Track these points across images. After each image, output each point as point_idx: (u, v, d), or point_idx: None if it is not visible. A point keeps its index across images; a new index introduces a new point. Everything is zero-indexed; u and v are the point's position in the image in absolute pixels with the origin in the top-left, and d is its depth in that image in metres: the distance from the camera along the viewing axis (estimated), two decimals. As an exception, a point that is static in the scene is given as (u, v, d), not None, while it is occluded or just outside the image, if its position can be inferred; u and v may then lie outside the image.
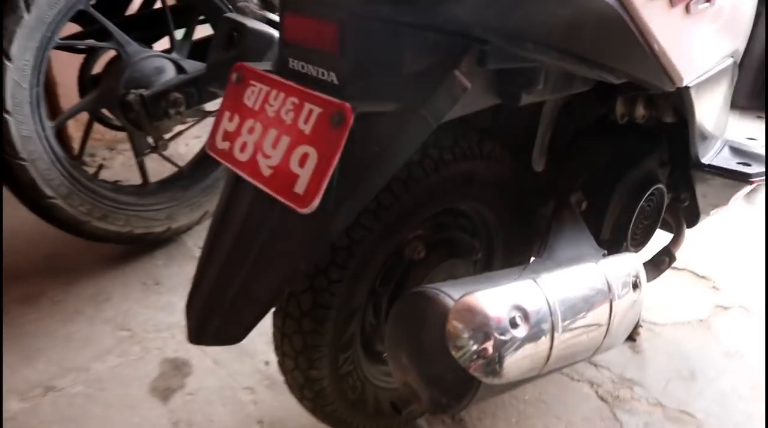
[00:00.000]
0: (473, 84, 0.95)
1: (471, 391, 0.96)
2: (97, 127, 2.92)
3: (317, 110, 0.92)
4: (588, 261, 1.10)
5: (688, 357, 1.82)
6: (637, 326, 1.88)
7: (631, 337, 1.87)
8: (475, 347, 0.88)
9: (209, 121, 1.97)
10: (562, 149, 1.44)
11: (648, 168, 1.46)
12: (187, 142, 2.97)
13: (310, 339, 1.17)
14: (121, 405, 1.61)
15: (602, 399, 1.66)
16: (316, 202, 0.89)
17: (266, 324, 1.20)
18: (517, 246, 1.47)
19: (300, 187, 0.90)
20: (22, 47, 1.72)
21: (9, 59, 1.70)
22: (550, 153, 1.40)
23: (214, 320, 1.00)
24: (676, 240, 1.58)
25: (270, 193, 0.94)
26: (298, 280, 1.12)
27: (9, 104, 1.72)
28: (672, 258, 1.55)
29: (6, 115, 1.71)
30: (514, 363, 0.91)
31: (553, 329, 0.95)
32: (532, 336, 0.93)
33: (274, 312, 1.22)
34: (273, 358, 1.70)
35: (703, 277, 2.19)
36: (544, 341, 0.95)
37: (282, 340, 1.21)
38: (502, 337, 0.89)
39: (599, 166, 1.45)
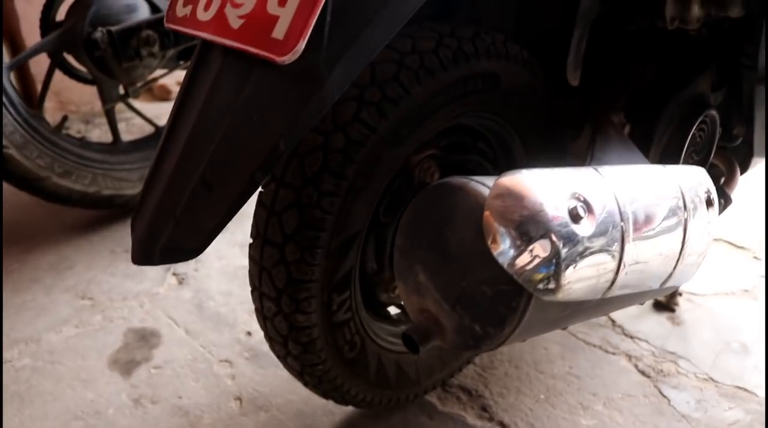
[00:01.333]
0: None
1: (516, 313, 0.71)
2: (71, 96, 2.71)
3: (303, -68, 0.68)
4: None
5: (737, 329, 1.57)
6: (675, 295, 1.63)
7: (670, 308, 1.62)
8: (523, 243, 0.63)
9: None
10: (600, 63, 1.20)
11: (700, 89, 1.23)
12: (166, 107, 2.74)
13: (295, 272, 0.93)
14: (74, 379, 1.36)
15: (643, 373, 1.41)
16: (300, 46, 0.66)
17: (247, 294, 1.03)
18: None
19: (279, 31, 0.68)
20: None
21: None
22: (586, 68, 1.16)
23: (165, 229, 0.75)
24: (729, 181, 1.34)
25: (241, 47, 0.71)
26: (275, 168, 0.88)
27: (-49, 32, 1.48)
28: (728, 201, 1.31)
29: (-54, 45, 1.47)
30: (577, 273, 0.67)
31: (623, 234, 0.70)
32: (599, 240, 0.68)
33: (250, 244, 0.97)
34: (256, 328, 1.47)
35: (741, 247, 1.94)
36: (614, 250, 0.70)
37: (260, 276, 0.96)
38: (563, 231, 0.64)
39: (644, 85, 1.21)
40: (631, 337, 1.52)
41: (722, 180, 1.39)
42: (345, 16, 0.68)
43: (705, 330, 1.57)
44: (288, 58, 0.66)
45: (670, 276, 0.85)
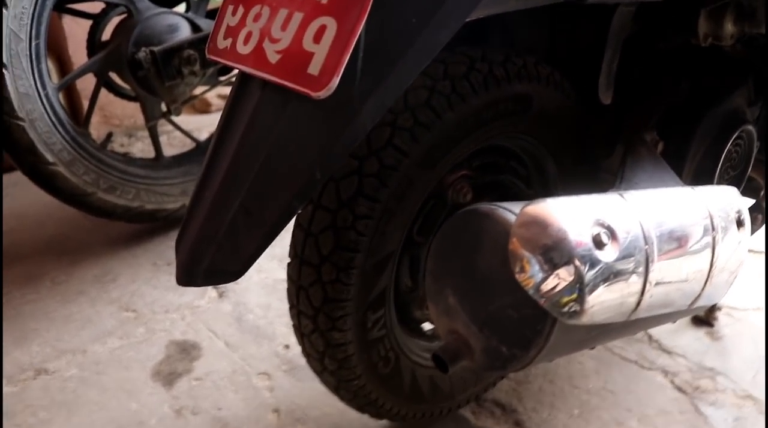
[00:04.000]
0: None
1: (542, 336, 0.74)
2: (114, 110, 2.81)
3: (338, -28, 0.72)
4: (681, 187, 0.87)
5: (778, 345, 1.56)
6: (714, 309, 1.63)
7: (709, 322, 1.62)
8: (548, 269, 0.67)
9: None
10: (632, 82, 1.22)
11: (735, 104, 1.24)
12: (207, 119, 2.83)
13: (331, 292, 0.97)
14: (118, 389, 1.42)
15: (680, 389, 1.42)
16: (335, 82, 0.70)
17: (286, 308, 1.07)
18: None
19: (315, 67, 0.71)
20: (18, -9, 1.57)
21: (4, 5, 1.55)
22: (618, 86, 1.18)
23: (207, 253, 0.80)
24: (768, 195, 1.34)
25: (278, 82, 0.75)
26: (312, 195, 0.93)
27: (4, 56, 1.56)
28: (765, 216, 1.31)
29: (1, 68, 1.55)
30: (600, 297, 0.70)
31: (647, 258, 0.73)
32: (623, 264, 0.71)
33: (288, 263, 1.02)
34: (293, 341, 1.52)
35: (784, 261, 1.93)
36: (638, 273, 0.72)
37: (297, 294, 1.01)
38: (586, 257, 0.67)
39: (677, 101, 1.23)
40: (668, 352, 1.53)
41: (762, 194, 1.40)
42: (377, 52, 0.72)
43: (745, 345, 1.57)
44: (323, 94, 0.69)
45: (699, 296, 0.87)
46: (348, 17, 0.70)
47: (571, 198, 0.74)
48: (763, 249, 1.97)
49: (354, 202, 0.93)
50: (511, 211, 0.76)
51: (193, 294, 1.73)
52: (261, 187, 0.77)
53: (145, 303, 1.72)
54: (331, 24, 0.71)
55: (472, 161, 1.09)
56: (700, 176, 1.21)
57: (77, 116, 2.52)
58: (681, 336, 1.58)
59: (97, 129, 2.69)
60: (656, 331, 1.59)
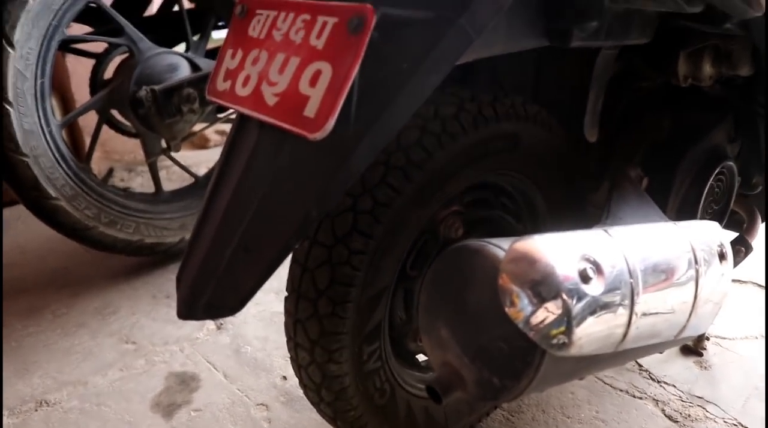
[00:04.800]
0: (518, 17, 0.83)
1: (532, 368, 0.75)
2: (115, 146, 2.84)
3: (332, 20, 0.76)
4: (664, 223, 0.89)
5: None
6: (702, 339, 1.64)
7: (698, 352, 1.64)
8: (537, 303, 0.68)
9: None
10: (616, 119, 1.25)
11: (716, 141, 1.27)
12: (205, 155, 2.85)
13: (327, 325, 0.98)
14: (119, 421, 1.42)
15: (670, 418, 1.43)
16: (330, 124, 0.72)
17: (283, 340, 1.09)
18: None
19: (311, 110, 0.74)
20: (25, 34, 1.60)
21: (11, 46, 1.58)
22: (603, 123, 1.21)
23: (207, 288, 0.81)
24: (750, 228, 1.37)
25: (275, 123, 0.77)
26: (308, 233, 0.94)
27: (10, 94, 1.59)
28: (748, 249, 1.33)
29: (7, 106, 1.58)
30: (588, 329, 0.71)
31: (632, 291, 0.74)
32: (609, 297, 0.73)
33: (286, 297, 1.03)
34: (291, 373, 1.52)
35: (770, 290, 1.95)
36: (623, 306, 0.74)
37: (295, 328, 1.02)
38: (573, 291, 0.68)
39: (660, 139, 1.25)
40: (658, 381, 1.54)
41: (744, 227, 1.42)
42: (370, 95, 0.74)
43: (734, 374, 1.57)
44: (319, 135, 0.71)
45: (684, 327, 0.88)
46: (342, 62, 0.72)
47: (557, 234, 0.76)
48: (748, 280, 1.99)
49: (349, 238, 0.94)
50: (500, 247, 0.77)
51: (191, 326, 1.74)
52: (259, 224, 0.79)
53: (145, 335, 1.73)
54: (326, 69, 0.73)
55: (464, 197, 1.11)
56: (683, 211, 1.23)
57: (79, 152, 2.55)
58: (671, 366, 1.58)
59: (98, 164, 2.72)
60: (646, 361, 1.59)
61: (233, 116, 0.90)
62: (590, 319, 0.72)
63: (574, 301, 0.70)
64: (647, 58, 1.19)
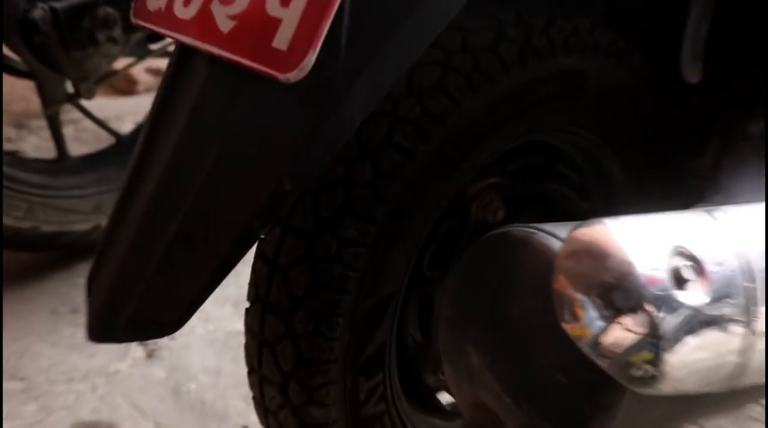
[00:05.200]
0: None
1: (604, 412, 0.76)
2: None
3: None
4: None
5: None
6: None
7: None
8: (609, 316, 0.69)
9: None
10: (732, 50, 1.25)
11: None
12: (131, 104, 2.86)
13: (308, 350, 1.00)
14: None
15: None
16: (310, 59, 0.73)
17: (243, 373, 1.10)
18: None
19: (282, 39, 0.75)
20: None
21: None
22: (710, 57, 1.22)
23: (131, 296, 0.83)
24: None
25: (232, 58, 0.78)
26: (279, 214, 0.97)
27: None
28: None
29: None
30: (686, 356, 0.72)
31: (750, 300, 0.75)
32: (716, 309, 0.73)
33: (247, 309, 1.05)
34: (254, 421, 1.54)
35: None
36: (737, 322, 0.75)
37: (260, 354, 1.04)
38: (663, 300, 0.70)
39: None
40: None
41: None
42: (368, 17, 0.75)
43: None
44: (294, 75, 0.72)
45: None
46: (328, -30, 0.73)
47: (640, 217, 0.77)
48: None
49: (339, 223, 0.96)
50: (555, 236, 0.78)
51: (109, 354, 1.76)
52: (208, 203, 0.80)
53: (39, 368, 1.75)
54: (304, -21, 0.74)
55: (505, 165, 1.13)
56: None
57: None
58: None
59: None
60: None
61: (172, 48, 0.91)
62: (689, 341, 0.73)
63: (665, 314, 0.71)
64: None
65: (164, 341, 1.78)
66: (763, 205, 0.88)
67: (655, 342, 0.72)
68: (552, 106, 1.07)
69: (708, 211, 0.81)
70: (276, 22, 0.75)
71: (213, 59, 0.81)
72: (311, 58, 0.72)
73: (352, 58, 0.76)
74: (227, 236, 0.80)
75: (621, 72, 1.14)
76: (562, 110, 1.10)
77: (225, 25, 0.79)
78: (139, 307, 0.82)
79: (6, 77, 2.28)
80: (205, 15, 0.82)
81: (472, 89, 0.98)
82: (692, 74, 1.20)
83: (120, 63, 2.15)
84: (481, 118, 1.00)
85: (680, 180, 1.28)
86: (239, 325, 1.07)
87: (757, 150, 1.13)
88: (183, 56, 0.86)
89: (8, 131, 2.85)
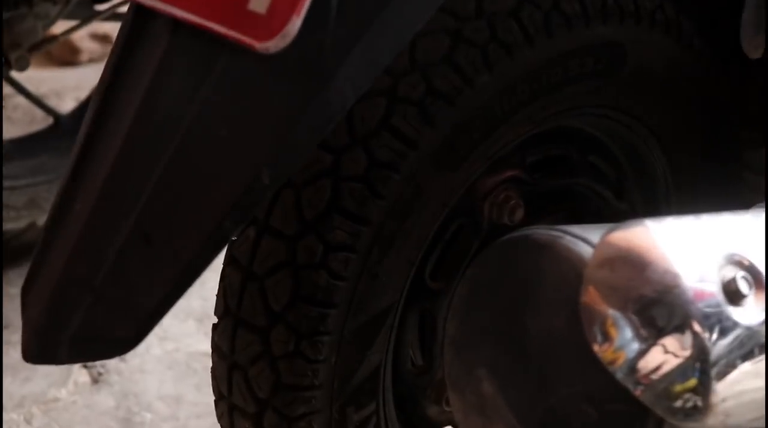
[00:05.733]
0: None
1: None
2: None
3: None
4: None
5: None
6: None
7: None
8: (648, 337, 0.71)
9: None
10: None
11: None
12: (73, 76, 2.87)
13: (287, 374, 1.01)
14: None
15: None
16: (294, 25, 0.74)
17: (208, 401, 1.11)
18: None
19: (261, 1, 0.75)
20: None
21: None
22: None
23: (77, 308, 0.84)
24: None
25: (200, 23, 0.79)
26: (255, 212, 0.98)
27: None
28: None
29: None
30: (739, 384, 0.73)
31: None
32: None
33: (215, 325, 1.06)
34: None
35: None
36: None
37: (229, 378, 1.05)
38: (714, 317, 0.71)
39: None
40: None
41: None
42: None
43: None
44: (274, 44, 0.74)
45: None
46: None
47: (688, 218, 0.78)
48: None
49: (326, 224, 0.97)
50: (585, 240, 0.80)
51: (48, 379, 1.77)
52: (170, 197, 0.81)
53: (-36, 396, 1.76)
54: (286, -65, 0.76)
55: (525, 156, 1.14)
56: None
57: None
58: None
59: None
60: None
61: (123, 10, 0.91)
62: (743, 367, 0.74)
63: (716, 336, 0.72)
64: None
65: (113, 363, 1.79)
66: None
67: (702, 367, 0.73)
68: (584, 84, 1.09)
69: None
70: (253, -20, 0.76)
71: (177, 24, 0.81)
72: (295, 24, 0.73)
73: (344, 24, 0.77)
74: (193, 237, 0.81)
75: (668, 44, 1.15)
76: (596, 90, 1.11)
77: (193, -15, 0.81)
78: (86, 321, 0.83)
79: None
80: (168, -29, 0.83)
81: (486, 64, 0.99)
82: (754, 48, 1.21)
83: (59, 27, 2.15)
84: (498, 98, 1.01)
85: (737, 175, 1.30)
86: (205, 345, 1.08)
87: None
88: (139, 20, 0.86)
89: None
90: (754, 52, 1.20)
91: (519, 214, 1.11)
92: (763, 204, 0.93)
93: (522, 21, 1.01)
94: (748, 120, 1.28)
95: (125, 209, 0.82)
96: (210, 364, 1.08)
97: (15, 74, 2.09)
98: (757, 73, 1.25)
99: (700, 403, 0.74)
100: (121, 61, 0.87)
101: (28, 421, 1.69)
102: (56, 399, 1.73)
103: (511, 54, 1.00)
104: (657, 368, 0.73)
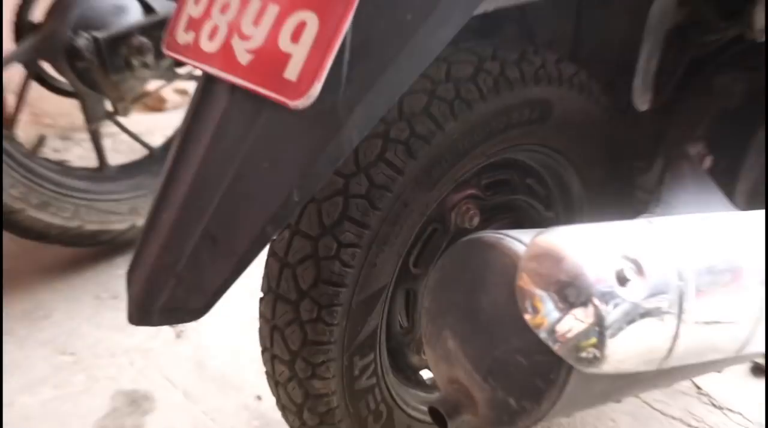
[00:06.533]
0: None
1: (556, 387, 0.79)
2: (47, 108, 2.86)
3: (320, -40, 0.78)
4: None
5: None
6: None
7: (771, 372, 1.67)
8: (562, 309, 0.72)
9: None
10: (674, 82, 1.27)
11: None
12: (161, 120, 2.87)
13: (312, 333, 1.02)
14: (52, 451, 1.46)
15: (735, 454, 1.46)
16: (316, 89, 0.75)
17: (257, 351, 1.13)
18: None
19: (292, 71, 0.76)
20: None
21: None
22: (658, 88, 1.24)
23: (164, 286, 0.85)
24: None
25: (249, 87, 0.80)
26: (289, 220, 1.00)
27: None
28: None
29: None
30: (625, 341, 0.75)
31: (681, 296, 0.78)
32: (652, 303, 0.76)
33: (261, 298, 1.07)
34: (267, 392, 1.55)
35: None
36: (670, 314, 0.78)
37: (271, 336, 1.06)
38: (607, 295, 0.72)
39: (730, 108, 1.28)
40: (720, 408, 1.57)
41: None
42: (366, 52, 0.77)
43: (815, 401, 1.61)
44: (302, 102, 0.74)
45: (748, 341, 0.92)
46: (332, 13, 0.74)
47: (590, 225, 0.79)
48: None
49: (339, 228, 0.98)
50: (520, 241, 0.81)
51: (144, 334, 1.78)
52: (229, 209, 0.82)
53: (86, 344, 1.77)
54: (311, 20, 0.76)
55: (481, 179, 1.15)
56: (755, 199, 1.25)
57: (0, 115, 2.57)
58: (737, 389, 1.62)
59: (25, 131, 2.74)
60: (706, 383, 1.63)
61: (197, 72, 0.92)
62: (628, 329, 0.75)
63: (609, 307, 0.73)
64: (715, 4, 1.20)
65: (191, 324, 1.80)
66: (696, 216, 0.90)
67: (600, 330, 0.74)
68: (522, 129, 1.09)
69: (649, 220, 0.83)
70: (287, 57, 0.77)
71: (233, 87, 0.83)
72: (316, 88, 0.74)
73: (351, 88, 0.78)
74: (245, 237, 0.81)
75: (582, 99, 1.15)
76: (531, 133, 1.11)
77: (244, 58, 0.81)
78: (171, 296, 0.84)
79: (53, 95, 2.30)
80: (226, 49, 0.84)
81: (453, 114, 1.00)
82: (642, 102, 1.22)
83: (152, 85, 2.16)
84: (462, 138, 1.02)
85: (630, 193, 1.30)
86: (254, 311, 1.08)
87: (694, 168, 1.15)
88: (208, 84, 0.87)
89: (56, 143, 2.86)
90: (642, 106, 1.21)
91: (476, 220, 1.13)
92: (649, 215, 0.94)
93: (478, 83, 1.02)
94: (638, 153, 1.28)
95: (197, 218, 0.84)
96: (258, 325, 1.09)
97: (121, 119, 2.10)
98: (644, 120, 1.26)
99: (598, 354, 0.75)
100: (196, 112, 0.89)
101: (131, 364, 1.69)
102: (151, 349, 1.74)
103: (470, 107, 1.01)
104: (569, 330, 0.74)
